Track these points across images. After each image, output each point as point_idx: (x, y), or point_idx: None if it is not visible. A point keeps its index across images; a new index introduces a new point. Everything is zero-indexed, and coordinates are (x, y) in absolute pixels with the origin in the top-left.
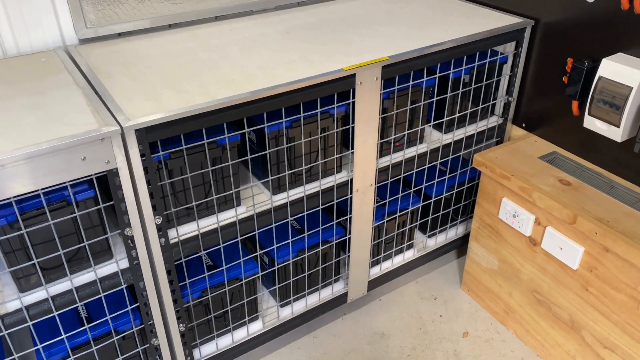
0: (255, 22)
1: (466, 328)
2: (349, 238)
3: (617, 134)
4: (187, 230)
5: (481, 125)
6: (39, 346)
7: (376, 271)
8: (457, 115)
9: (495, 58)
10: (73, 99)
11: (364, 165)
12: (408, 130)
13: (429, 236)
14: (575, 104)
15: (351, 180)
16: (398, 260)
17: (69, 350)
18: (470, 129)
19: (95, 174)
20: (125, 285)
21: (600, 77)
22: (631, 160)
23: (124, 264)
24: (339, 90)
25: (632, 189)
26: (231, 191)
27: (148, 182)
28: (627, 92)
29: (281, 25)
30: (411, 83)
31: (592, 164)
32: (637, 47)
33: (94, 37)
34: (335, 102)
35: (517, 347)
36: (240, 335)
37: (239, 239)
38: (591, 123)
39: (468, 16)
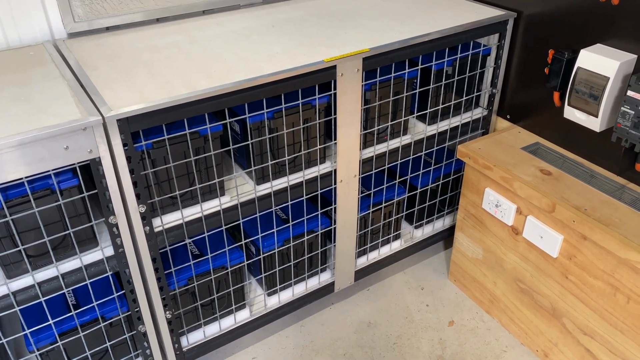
0: (242, 16)
1: (452, 317)
2: (335, 228)
3: (595, 124)
4: (172, 219)
5: (466, 117)
6: (27, 331)
7: (363, 261)
8: (441, 106)
9: (478, 50)
10: (58, 90)
11: (347, 156)
12: (391, 121)
13: (416, 227)
14: (556, 95)
15: (335, 170)
16: (385, 250)
17: (57, 336)
18: (455, 121)
19: (78, 163)
20: (111, 273)
21: (578, 68)
22: (609, 150)
23: (109, 251)
24: (319, 82)
25: (612, 178)
26: (214, 181)
27: (131, 172)
28: (605, 82)
29: (267, 19)
30: (393, 75)
31: (574, 154)
32: (614, 38)
33: (82, 31)
34: (317, 94)
35: (502, 335)
36: (228, 323)
37: (224, 228)
38: (571, 113)
39: (452, 9)
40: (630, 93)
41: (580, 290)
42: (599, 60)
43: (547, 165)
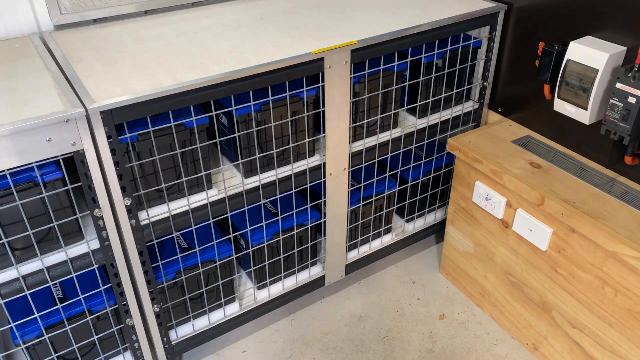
0: (231, 8)
1: (443, 310)
2: (325, 222)
3: (585, 116)
4: (158, 212)
5: (457, 110)
6: (12, 324)
7: (354, 255)
8: (431, 99)
9: (468, 43)
10: (42, 82)
11: (337, 149)
12: (381, 114)
13: (407, 221)
14: (546, 88)
15: (324, 164)
16: (376, 244)
17: (43, 329)
18: (446, 114)
19: (61, 155)
20: (98, 266)
21: (568, 60)
22: (599, 143)
23: (95, 244)
24: (307, 74)
25: (602, 172)
26: (201, 174)
27: (116, 164)
28: (594, 74)
29: (256, 11)
30: (382, 67)
31: (564, 147)
32: (604, 30)
33: (69, 23)
34: (305, 86)
35: (492, 328)
36: (217, 316)
37: (211, 221)
38: (561, 106)
39: (442, 1)
40: (619, 85)
41: (569, 284)
42: (588, 53)
43: (537, 158)
